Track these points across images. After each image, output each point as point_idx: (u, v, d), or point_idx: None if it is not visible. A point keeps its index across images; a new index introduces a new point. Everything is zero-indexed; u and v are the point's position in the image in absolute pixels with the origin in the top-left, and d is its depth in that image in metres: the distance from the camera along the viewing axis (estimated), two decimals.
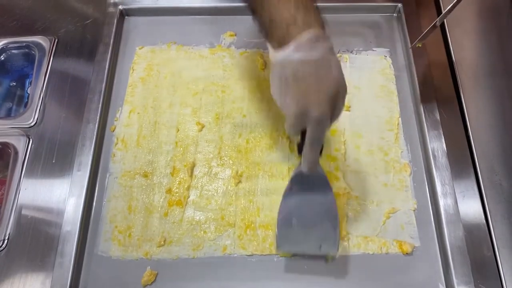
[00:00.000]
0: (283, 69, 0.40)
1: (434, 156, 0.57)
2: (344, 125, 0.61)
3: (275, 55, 0.41)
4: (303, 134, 0.44)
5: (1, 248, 0.53)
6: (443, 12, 0.53)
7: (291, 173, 0.50)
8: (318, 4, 0.69)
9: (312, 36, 0.38)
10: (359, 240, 0.54)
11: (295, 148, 0.47)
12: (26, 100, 0.69)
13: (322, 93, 0.39)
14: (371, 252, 0.53)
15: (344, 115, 0.61)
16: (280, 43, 0.40)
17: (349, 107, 0.62)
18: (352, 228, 0.54)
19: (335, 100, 0.41)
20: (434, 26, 0.54)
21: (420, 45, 0.60)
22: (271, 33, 0.41)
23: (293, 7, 0.40)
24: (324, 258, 0.53)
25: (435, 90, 0.61)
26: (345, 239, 0.54)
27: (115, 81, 0.65)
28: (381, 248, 0.53)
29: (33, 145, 0.59)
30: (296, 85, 0.40)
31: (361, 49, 0.68)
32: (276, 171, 0.58)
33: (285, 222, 0.49)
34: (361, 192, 0.56)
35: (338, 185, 0.57)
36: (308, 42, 0.38)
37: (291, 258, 0.53)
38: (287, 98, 0.41)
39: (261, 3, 0.42)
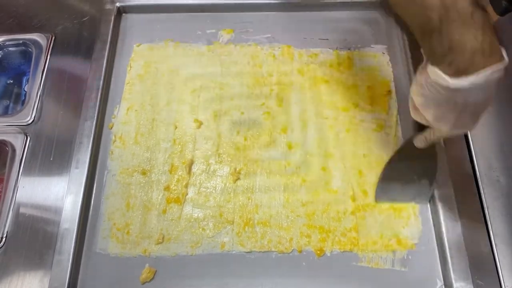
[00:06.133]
0: (455, 93, 0.38)
1: None
2: (342, 123, 0.61)
3: (448, 80, 0.37)
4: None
5: None
6: None
7: (404, 142, 0.55)
8: (317, 1, 0.70)
9: (498, 70, 0.36)
10: (358, 237, 0.54)
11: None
12: (24, 97, 0.69)
13: (478, 116, 0.40)
14: (370, 248, 0.53)
15: (342, 114, 0.62)
16: (458, 71, 0.36)
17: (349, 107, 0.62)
18: (351, 226, 0.55)
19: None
20: None
21: None
22: (449, 60, 0.37)
23: (481, 33, 0.35)
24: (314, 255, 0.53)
25: None
26: (345, 235, 0.54)
27: (112, 79, 0.65)
28: (379, 244, 0.53)
29: (30, 143, 0.59)
30: (462, 110, 0.39)
31: (359, 45, 0.67)
32: (274, 168, 0.58)
33: (386, 178, 0.55)
34: (361, 190, 0.57)
35: (337, 184, 0.57)
36: (491, 74, 0.35)
37: (289, 255, 0.53)
38: (447, 118, 0.40)
39: (439, 26, 0.36)
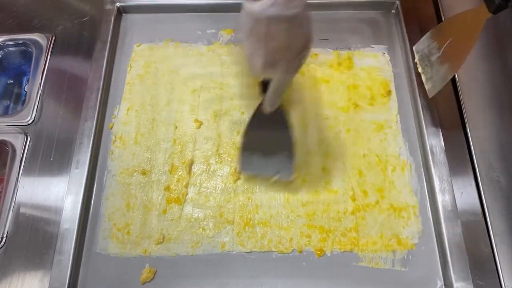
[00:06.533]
0: (257, 23, 0.40)
1: (432, 153, 0.57)
2: (342, 123, 0.61)
3: (251, 5, 0.40)
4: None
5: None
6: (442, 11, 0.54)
7: (255, 107, 0.53)
8: (316, 1, 0.70)
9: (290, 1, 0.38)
10: (358, 237, 0.54)
11: (258, 87, 0.51)
12: (24, 98, 0.69)
13: (292, 50, 0.41)
14: (370, 248, 0.53)
15: (343, 114, 0.62)
16: None
17: (349, 106, 0.62)
18: (352, 226, 0.55)
19: (303, 55, 0.42)
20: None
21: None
22: None
23: None
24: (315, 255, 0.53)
25: None
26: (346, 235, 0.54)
27: (112, 79, 0.65)
28: (379, 244, 0.53)
29: (31, 143, 0.59)
30: (268, 42, 0.40)
31: (359, 46, 0.67)
32: None
33: (247, 149, 0.55)
34: (361, 190, 0.57)
35: (337, 184, 0.57)
36: (288, 8, 0.38)
37: (289, 255, 0.53)
38: (257, 50, 0.41)
39: None
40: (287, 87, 0.47)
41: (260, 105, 0.51)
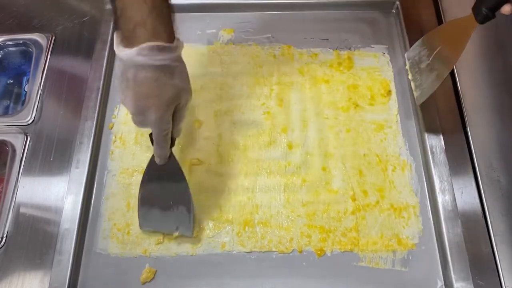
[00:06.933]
0: (125, 68, 0.40)
1: (433, 153, 0.57)
2: (342, 123, 0.61)
3: (120, 52, 0.40)
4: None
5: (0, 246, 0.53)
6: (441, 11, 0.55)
7: (149, 161, 0.51)
8: (317, 1, 0.70)
9: (155, 46, 0.39)
10: (359, 237, 0.54)
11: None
12: (24, 97, 0.69)
13: (161, 99, 0.41)
14: (370, 248, 0.53)
15: (343, 114, 0.62)
16: (125, 41, 0.40)
17: (349, 106, 0.62)
18: (352, 226, 0.55)
19: (175, 105, 0.43)
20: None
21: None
22: (118, 25, 0.40)
23: (147, 10, 0.39)
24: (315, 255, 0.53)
25: None
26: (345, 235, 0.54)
27: (112, 79, 0.65)
28: (380, 244, 0.53)
29: (31, 143, 0.59)
30: (136, 87, 0.40)
31: (359, 45, 0.68)
32: (274, 168, 0.58)
33: (145, 203, 0.52)
34: (361, 190, 0.57)
35: (337, 184, 0.57)
36: (151, 50, 0.38)
37: (289, 255, 0.53)
38: (128, 96, 0.42)
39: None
40: (168, 139, 0.47)
41: (153, 156, 0.50)
